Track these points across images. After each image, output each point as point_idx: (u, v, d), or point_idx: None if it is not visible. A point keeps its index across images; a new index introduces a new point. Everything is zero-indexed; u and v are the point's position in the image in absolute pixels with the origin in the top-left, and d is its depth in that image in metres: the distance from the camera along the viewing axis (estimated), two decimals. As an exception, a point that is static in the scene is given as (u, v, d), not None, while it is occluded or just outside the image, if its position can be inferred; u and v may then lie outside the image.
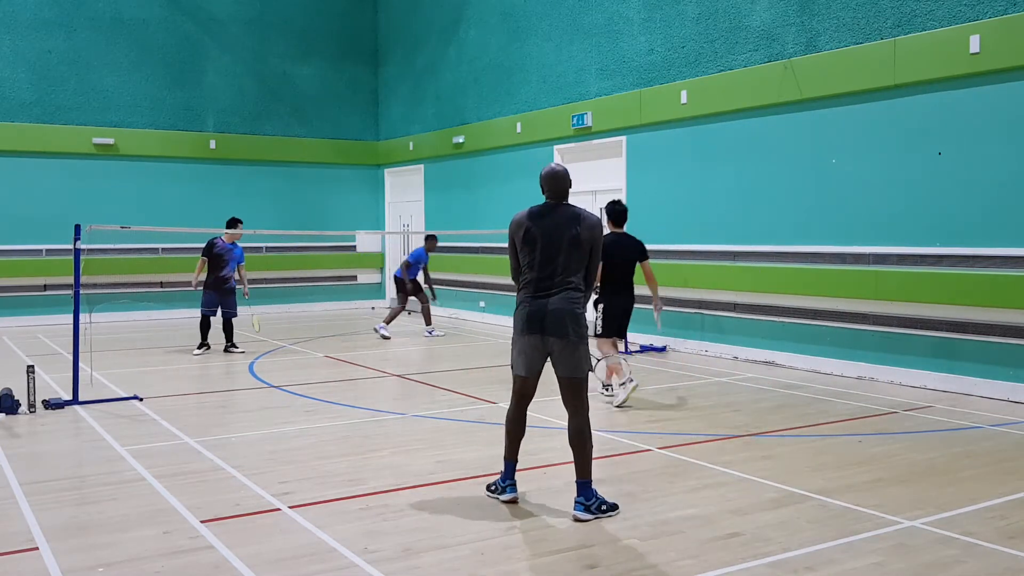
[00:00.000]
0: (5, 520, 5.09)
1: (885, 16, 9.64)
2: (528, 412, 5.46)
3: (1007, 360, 8.60)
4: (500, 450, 5.52)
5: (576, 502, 5.09)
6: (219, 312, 12.27)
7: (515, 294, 5.46)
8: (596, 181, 13.85)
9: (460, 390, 9.24)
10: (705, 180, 11.82)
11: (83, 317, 8.72)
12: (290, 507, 5.27)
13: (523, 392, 5.35)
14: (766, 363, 10.93)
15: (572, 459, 5.20)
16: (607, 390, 8.72)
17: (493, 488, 5.46)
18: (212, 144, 17.90)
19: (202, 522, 4.99)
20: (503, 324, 15.44)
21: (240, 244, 12.60)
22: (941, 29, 9.10)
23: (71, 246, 8.73)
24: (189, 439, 7.08)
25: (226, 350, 12.32)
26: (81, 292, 8.77)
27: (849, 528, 4.84)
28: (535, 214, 5.33)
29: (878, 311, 9.74)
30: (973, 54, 8.76)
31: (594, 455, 5.22)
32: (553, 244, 5.22)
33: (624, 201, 10.64)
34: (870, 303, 9.79)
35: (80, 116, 16.74)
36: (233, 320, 12.46)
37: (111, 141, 16.87)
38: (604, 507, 5.09)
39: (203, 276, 12.31)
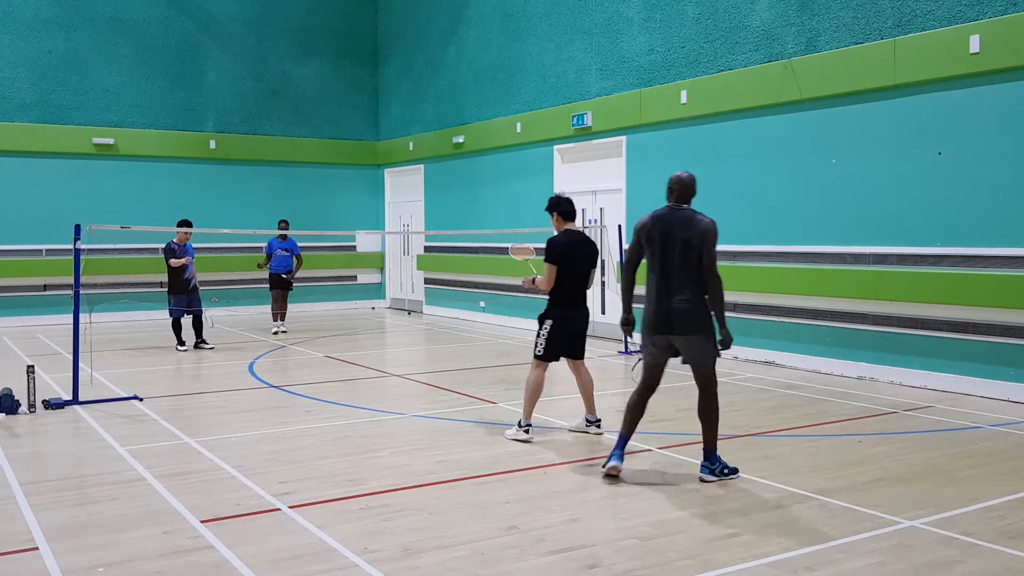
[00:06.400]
0: (5, 520, 5.09)
1: (885, 16, 9.64)
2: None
3: (1007, 360, 8.60)
4: (499, 450, 5.55)
5: (702, 466, 5.80)
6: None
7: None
8: (596, 181, 13.85)
9: (460, 390, 9.23)
10: (705, 180, 11.67)
11: (83, 317, 8.73)
12: (290, 507, 5.27)
13: (651, 381, 6.00)
14: (766, 363, 10.92)
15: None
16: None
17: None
18: (212, 144, 17.90)
19: (202, 522, 4.99)
20: (503, 324, 15.44)
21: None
22: (941, 29, 9.10)
23: (71, 246, 8.73)
24: (189, 439, 7.08)
25: (196, 346, 12.68)
26: (81, 292, 8.77)
27: (849, 528, 4.84)
28: (657, 217, 5.81)
29: (878, 311, 9.73)
30: (973, 54, 8.76)
31: (596, 455, 5.22)
32: (670, 246, 5.69)
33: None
34: (870, 303, 9.78)
35: (80, 116, 16.74)
36: (202, 317, 12.86)
37: (111, 141, 16.87)
38: (727, 471, 5.79)
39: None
